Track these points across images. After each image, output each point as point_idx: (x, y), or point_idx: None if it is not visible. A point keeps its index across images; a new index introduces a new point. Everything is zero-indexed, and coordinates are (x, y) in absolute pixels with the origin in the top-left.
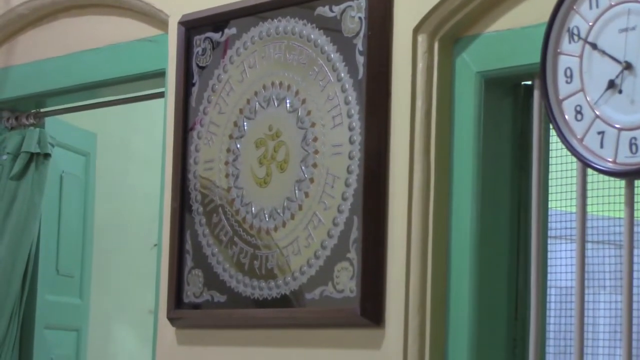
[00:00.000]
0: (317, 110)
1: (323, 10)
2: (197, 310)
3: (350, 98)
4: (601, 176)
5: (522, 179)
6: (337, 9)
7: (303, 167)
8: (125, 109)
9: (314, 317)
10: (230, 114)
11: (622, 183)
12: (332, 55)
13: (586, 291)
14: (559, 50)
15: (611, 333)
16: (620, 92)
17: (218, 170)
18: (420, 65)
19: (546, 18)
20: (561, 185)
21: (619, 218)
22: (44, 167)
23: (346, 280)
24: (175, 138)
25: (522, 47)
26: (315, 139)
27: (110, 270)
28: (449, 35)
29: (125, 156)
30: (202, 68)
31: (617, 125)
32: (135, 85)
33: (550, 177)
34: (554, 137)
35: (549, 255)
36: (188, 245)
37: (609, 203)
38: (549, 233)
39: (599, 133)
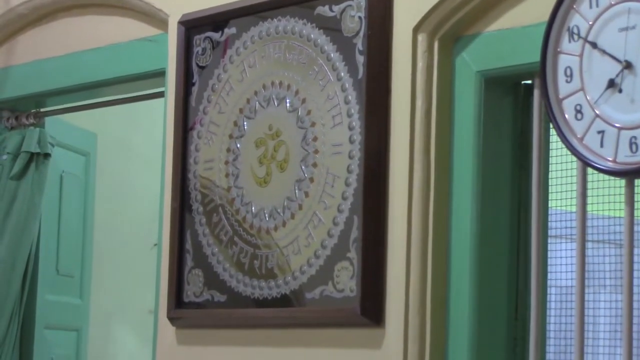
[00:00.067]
0: (317, 110)
1: (323, 10)
2: (197, 310)
3: (350, 97)
4: (601, 175)
5: (522, 178)
6: (336, 8)
7: (303, 167)
8: (125, 109)
9: (314, 317)
10: (230, 113)
11: (622, 182)
12: (332, 55)
13: (586, 290)
14: (559, 50)
15: (611, 332)
16: (620, 91)
17: (218, 169)
18: (420, 64)
19: (546, 17)
20: (561, 184)
21: (619, 217)
22: (44, 167)
23: (346, 280)
24: (175, 138)
25: (522, 46)
26: (315, 139)
27: (111, 270)
28: (449, 34)
29: (126, 156)
30: (202, 68)
31: (617, 125)
32: (135, 84)
33: (550, 176)
34: (554, 137)
35: (549, 254)
36: (188, 245)
37: (609, 202)
38: (549, 232)
39: (599, 132)
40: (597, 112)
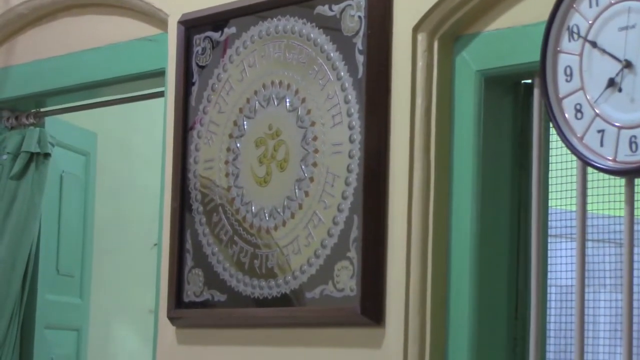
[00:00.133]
0: (316, 109)
1: (322, 9)
2: (198, 309)
3: (350, 97)
4: (601, 175)
5: (522, 178)
6: (336, 7)
7: (303, 166)
8: (125, 109)
9: (314, 316)
10: (230, 113)
11: (622, 181)
12: (332, 54)
13: (586, 290)
14: (558, 49)
15: (611, 332)
16: (620, 90)
17: (218, 169)
18: (420, 63)
19: (546, 16)
20: (561, 183)
21: (619, 216)
22: (44, 167)
23: (346, 279)
24: (175, 137)
25: (522, 45)
26: (315, 138)
27: (111, 269)
28: (449, 33)
29: (126, 156)
30: (201, 67)
31: (617, 124)
32: (135, 84)
33: (550, 175)
34: (554, 136)
35: (549, 253)
36: (188, 245)
37: (609, 201)
38: (549, 232)
39: (598, 131)
40: (597, 111)
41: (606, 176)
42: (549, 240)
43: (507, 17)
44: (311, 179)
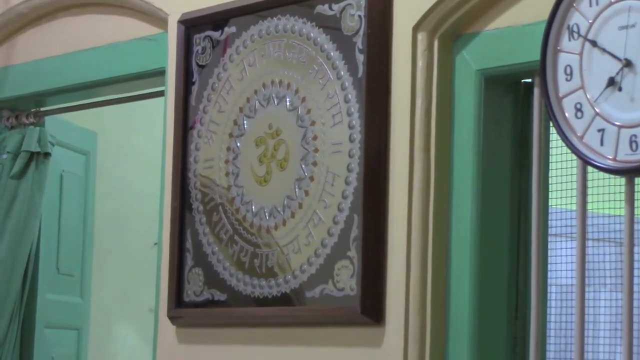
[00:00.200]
0: (317, 109)
1: (323, 9)
2: (198, 308)
3: (350, 96)
4: (601, 174)
5: (522, 177)
6: (336, 7)
7: (303, 166)
8: (125, 108)
9: (315, 316)
10: (230, 112)
11: (622, 181)
12: (332, 54)
13: (587, 289)
14: (558, 48)
15: (612, 331)
16: (620, 89)
17: (218, 168)
18: (420, 63)
19: (546, 15)
20: (561, 182)
21: (619, 216)
22: (44, 166)
23: (346, 279)
24: (175, 137)
25: (522, 44)
26: (315, 137)
27: (111, 269)
28: (449, 33)
29: (126, 155)
30: (201, 67)
31: (617, 123)
32: (135, 84)
33: (550, 174)
34: (554, 135)
35: (550, 253)
36: (188, 244)
37: (609, 201)
38: (549, 231)
39: (599, 131)
40: (597, 110)
41: (606, 175)
42: (549, 240)
43: (507, 16)
44: (311, 178)
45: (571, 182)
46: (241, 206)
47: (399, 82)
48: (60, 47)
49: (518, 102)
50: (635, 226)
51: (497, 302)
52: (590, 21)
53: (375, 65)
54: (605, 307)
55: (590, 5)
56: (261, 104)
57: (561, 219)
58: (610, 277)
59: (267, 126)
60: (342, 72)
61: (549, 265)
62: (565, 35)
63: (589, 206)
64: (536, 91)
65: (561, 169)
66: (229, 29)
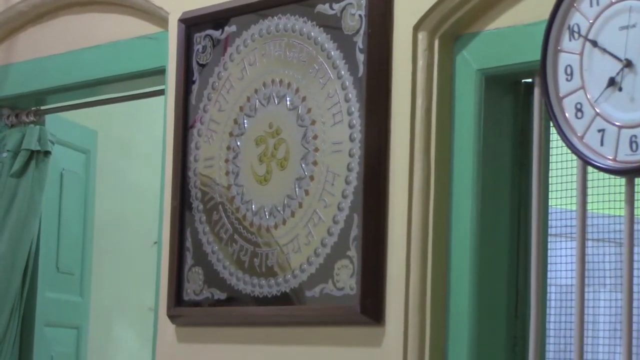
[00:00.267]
0: (317, 108)
1: (323, 8)
2: (197, 307)
3: (350, 96)
4: (601, 174)
5: (523, 177)
6: (337, 6)
7: (303, 165)
8: (126, 107)
9: (314, 315)
10: (230, 111)
11: (622, 181)
12: (332, 53)
13: (586, 289)
14: (559, 48)
15: (611, 331)
16: (620, 89)
17: (218, 167)
18: (421, 62)
19: (546, 15)
20: (561, 183)
21: (619, 216)
22: (44, 165)
23: (346, 278)
24: (175, 136)
25: (523, 44)
26: (315, 137)
27: (111, 267)
28: (449, 32)
29: (126, 154)
30: (202, 65)
31: (617, 123)
32: (135, 82)
33: (550, 174)
34: (554, 135)
35: (549, 253)
36: (188, 243)
37: (609, 201)
38: (549, 231)
39: (599, 131)
40: (598, 110)
41: (606, 175)
42: (549, 240)
43: (508, 16)
44: (311, 178)
45: (571, 182)
46: (241, 205)
47: (400, 82)
48: (60, 45)
49: (518, 102)
50: (635, 226)
51: (496, 301)
52: (590, 21)
53: (375, 64)
54: (604, 307)
55: (591, 5)
56: (261, 103)
57: (561, 219)
58: (610, 277)
59: (267, 125)
60: (343, 72)
61: (548, 265)
62: (566, 35)
63: (589, 206)
64: (536, 91)
65: (561, 169)
66: (230, 28)
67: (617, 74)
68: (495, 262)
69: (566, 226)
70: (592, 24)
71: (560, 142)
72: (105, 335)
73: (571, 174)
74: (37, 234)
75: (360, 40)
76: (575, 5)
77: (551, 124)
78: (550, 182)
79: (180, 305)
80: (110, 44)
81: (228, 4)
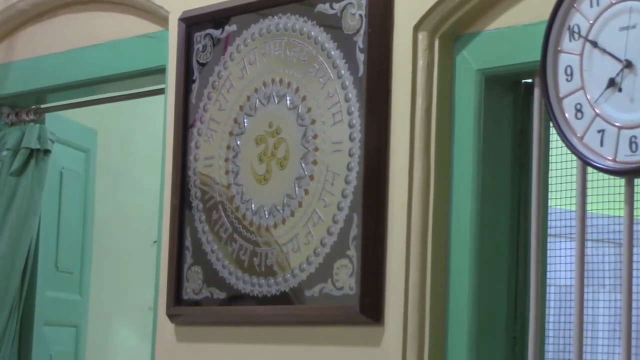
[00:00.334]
0: (317, 108)
1: (323, 8)
2: (197, 307)
3: (350, 95)
4: (601, 174)
5: (522, 177)
6: (337, 6)
7: (303, 164)
8: (126, 105)
9: (314, 314)
10: (230, 110)
11: (621, 181)
12: (333, 53)
13: (585, 289)
14: (559, 48)
15: (610, 331)
16: (620, 90)
17: (218, 167)
18: (421, 62)
19: (547, 16)
20: (561, 183)
21: (619, 216)
22: (44, 163)
23: (346, 278)
24: (175, 135)
25: (523, 44)
26: (315, 136)
27: (110, 266)
28: (450, 32)
29: (126, 153)
30: (202, 65)
31: (617, 124)
32: (135, 81)
33: (550, 175)
34: (554, 135)
35: (549, 253)
36: (188, 242)
37: (608, 201)
38: (549, 231)
39: (599, 131)
40: (597, 111)
41: (606, 176)
42: (549, 240)
43: (508, 16)
44: (311, 177)
45: (571, 182)
46: (241, 204)
47: (400, 82)
48: (60, 44)
49: (518, 102)
50: (635, 227)
51: (496, 301)
52: (590, 22)
53: (375, 64)
54: (604, 307)
55: (591, 5)
56: (261, 103)
57: (561, 220)
58: (609, 277)
59: (267, 125)
60: (343, 71)
61: (548, 266)
62: (566, 36)
63: (589, 207)
64: (536, 91)
65: (561, 169)
66: (230, 27)
67: (617, 74)
68: (495, 262)
69: (566, 226)
70: (592, 25)
71: (560, 143)
72: (104, 335)
73: (571, 175)
74: (37, 233)
75: (360, 40)
76: (575, 5)
77: (551, 124)
78: (550, 182)
79: (179, 304)
80: (111, 43)
81: (228, 3)
